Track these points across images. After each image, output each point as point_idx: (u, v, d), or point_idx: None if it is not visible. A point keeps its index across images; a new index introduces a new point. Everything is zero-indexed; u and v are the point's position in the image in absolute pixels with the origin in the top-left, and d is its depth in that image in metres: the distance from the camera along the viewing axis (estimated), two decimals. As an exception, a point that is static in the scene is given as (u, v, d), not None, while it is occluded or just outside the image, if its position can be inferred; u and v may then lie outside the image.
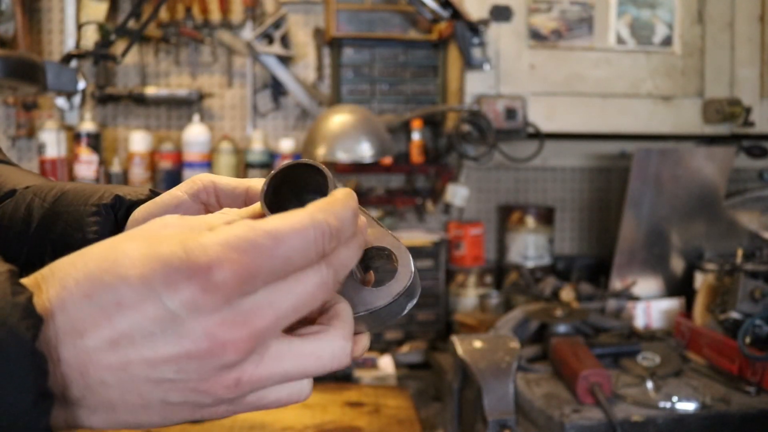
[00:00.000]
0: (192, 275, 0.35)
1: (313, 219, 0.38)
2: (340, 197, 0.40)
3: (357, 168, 2.04)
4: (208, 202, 0.53)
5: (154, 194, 0.56)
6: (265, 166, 2.22)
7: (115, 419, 0.37)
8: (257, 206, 0.45)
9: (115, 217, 0.54)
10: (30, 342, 0.34)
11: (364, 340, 0.47)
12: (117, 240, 0.38)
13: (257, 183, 0.51)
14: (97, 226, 0.53)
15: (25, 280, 0.37)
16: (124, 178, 2.21)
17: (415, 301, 0.48)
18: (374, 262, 0.49)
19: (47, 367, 0.34)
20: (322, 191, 0.46)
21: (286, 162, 0.46)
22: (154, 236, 0.37)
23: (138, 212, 0.53)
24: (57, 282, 0.36)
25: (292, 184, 0.46)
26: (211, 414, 0.39)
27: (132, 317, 0.35)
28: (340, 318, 0.42)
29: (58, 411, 0.36)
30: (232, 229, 0.37)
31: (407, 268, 0.47)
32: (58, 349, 0.35)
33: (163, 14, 2.19)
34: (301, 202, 0.48)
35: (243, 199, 0.52)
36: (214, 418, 0.40)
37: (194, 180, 0.53)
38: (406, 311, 0.48)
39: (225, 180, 0.52)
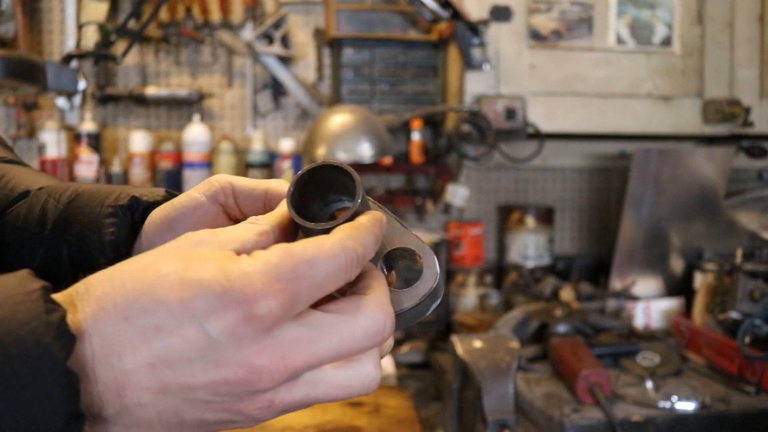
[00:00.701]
0: (236, 305, 0.35)
1: (343, 246, 0.39)
2: (367, 224, 0.42)
3: (357, 168, 2.03)
4: (226, 204, 0.52)
5: (170, 195, 0.55)
6: (265, 166, 2.22)
7: None
8: (283, 211, 0.45)
9: (131, 218, 0.54)
10: (63, 362, 0.34)
11: (389, 341, 0.47)
12: (152, 258, 0.38)
13: (276, 185, 0.51)
14: (113, 227, 0.53)
15: (58, 296, 0.37)
16: (125, 179, 2.21)
17: (439, 302, 0.49)
18: (398, 263, 0.49)
19: (79, 386, 0.34)
20: (348, 192, 0.46)
21: (313, 163, 0.45)
22: (189, 256, 0.37)
23: (155, 214, 0.53)
24: (94, 302, 0.36)
25: (316, 184, 0.46)
26: (243, 427, 0.40)
27: (171, 342, 0.36)
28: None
29: (90, 428, 0.36)
30: (270, 255, 0.37)
31: (432, 269, 0.47)
32: (94, 370, 0.36)
33: (164, 14, 2.19)
34: (324, 202, 0.49)
35: (262, 201, 0.51)
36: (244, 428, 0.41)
37: (211, 181, 0.52)
38: (430, 312, 0.49)
39: (243, 181, 0.51)
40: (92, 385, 0.36)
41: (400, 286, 0.47)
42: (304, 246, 0.38)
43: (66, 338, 0.34)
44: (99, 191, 0.56)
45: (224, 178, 0.52)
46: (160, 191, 0.56)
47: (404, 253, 0.48)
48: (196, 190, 0.52)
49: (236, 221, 0.53)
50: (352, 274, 0.39)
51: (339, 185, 0.46)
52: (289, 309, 0.37)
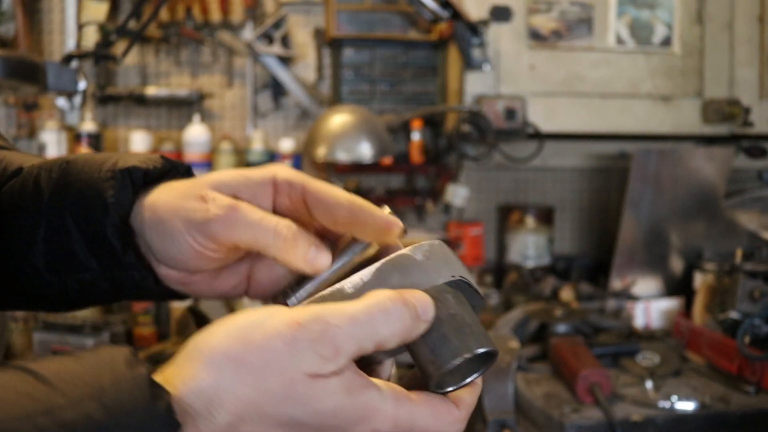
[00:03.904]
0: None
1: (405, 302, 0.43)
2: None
3: (357, 168, 2.04)
4: (290, 195, 0.51)
5: (167, 162, 0.55)
6: (266, 166, 2.22)
7: None
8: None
9: (131, 182, 0.53)
10: None
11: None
12: (283, 380, 0.40)
13: (369, 206, 0.49)
14: (113, 190, 0.52)
15: (160, 379, 0.38)
16: (125, 178, 2.21)
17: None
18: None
19: None
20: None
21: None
22: (298, 363, 0.40)
23: (167, 194, 0.52)
24: (223, 406, 0.38)
25: None
26: None
27: None
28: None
29: None
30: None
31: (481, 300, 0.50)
32: None
33: (164, 15, 2.19)
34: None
35: (346, 215, 0.49)
36: None
37: (277, 174, 0.51)
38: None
39: (319, 187, 0.50)
40: None
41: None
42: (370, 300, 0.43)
43: (172, 427, 0.35)
44: (93, 159, 0.55)
45: (296, 176, 0.51)
46: (157, 158, 0.55)
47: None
48: (259, 172, 0.52)
49: (282, 215, 0.52)
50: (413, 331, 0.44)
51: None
52: None
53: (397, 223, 0.49)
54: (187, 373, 0.38)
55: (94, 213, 0.52)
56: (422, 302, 0.43)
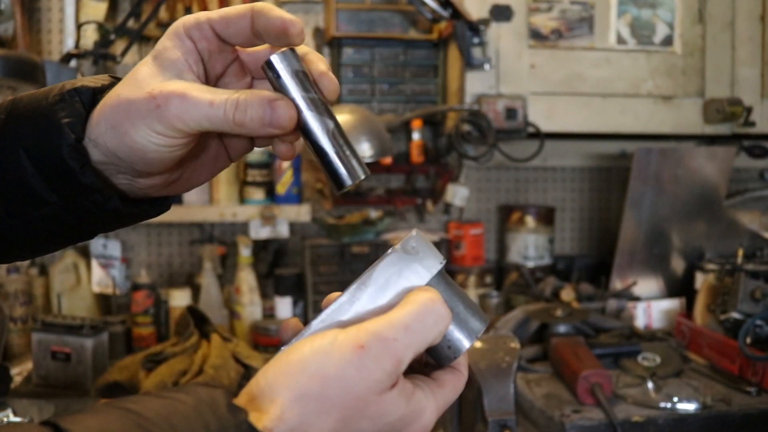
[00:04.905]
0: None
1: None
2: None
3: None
4: (206, 38, 0.51)
5: (115, 78, 0.55)
6: (265, 166, 2.22)
7: None
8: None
9: (81, 102, 0.52)
10: None
11: None
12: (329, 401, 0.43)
13: (261, 6, 0.50)
14: (64, 111, 0.51)
15: (254, 419, 0.41)
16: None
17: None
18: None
19: None
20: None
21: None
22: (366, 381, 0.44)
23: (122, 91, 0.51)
24: None
25: None
26: None
27: None
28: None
29: None
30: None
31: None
32: None
33: (163, 14, 2.18)
34: None
35: (249, 30, 0.50)
36: None
37: (183, 26, 0.51)
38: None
39: (220, 11, 0.51)
40: None
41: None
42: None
43: None
44: (38, 92, 0.54)
45: (200, 15, 0.51)
46: (105, 77, 0.55)
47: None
48: (165, 41, 0.52)
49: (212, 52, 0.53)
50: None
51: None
52: None
53: (294, 24, 0.49)
54: (274, 413, 0.41)
55: (48, 139, 0.51)
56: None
